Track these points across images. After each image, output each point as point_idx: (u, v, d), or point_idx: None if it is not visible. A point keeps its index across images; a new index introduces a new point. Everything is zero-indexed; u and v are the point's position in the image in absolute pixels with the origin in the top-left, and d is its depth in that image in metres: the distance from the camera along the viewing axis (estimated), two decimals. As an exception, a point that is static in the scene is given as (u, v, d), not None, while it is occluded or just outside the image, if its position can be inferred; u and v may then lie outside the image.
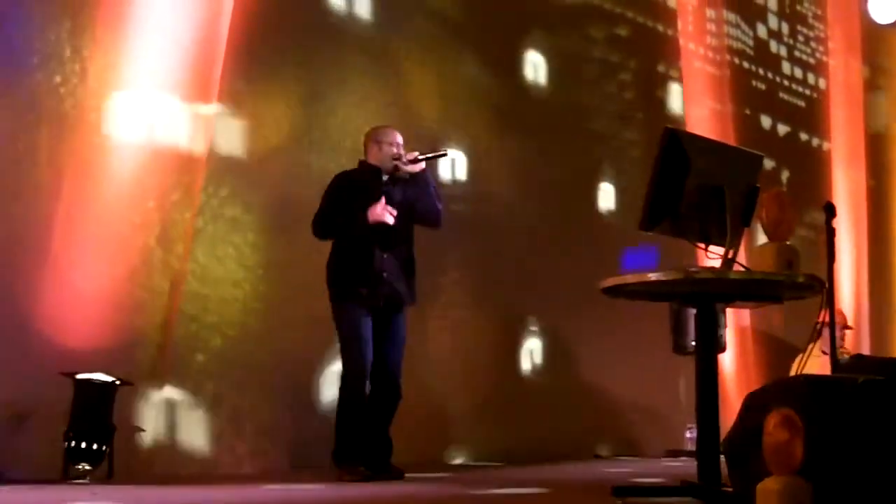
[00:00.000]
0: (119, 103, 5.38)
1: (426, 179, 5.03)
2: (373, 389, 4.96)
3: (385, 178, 5.02)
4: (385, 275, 4.91)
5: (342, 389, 4.94)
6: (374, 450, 4.93)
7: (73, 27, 5.29)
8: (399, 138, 5.08)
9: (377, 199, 4.90)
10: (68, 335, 5.08)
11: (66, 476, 4.79)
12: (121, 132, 5.38)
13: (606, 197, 8.05)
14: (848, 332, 7.39)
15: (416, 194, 5.00)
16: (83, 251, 5.21)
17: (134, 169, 5.42)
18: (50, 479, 4.70)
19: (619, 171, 8.22)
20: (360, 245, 4.92)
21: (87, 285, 5.19)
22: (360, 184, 5.00)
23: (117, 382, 4.98)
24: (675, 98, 8.86)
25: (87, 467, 4.84)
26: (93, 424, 4.87)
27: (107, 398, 4.95)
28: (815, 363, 4.77)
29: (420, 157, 4.99)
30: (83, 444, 4.83)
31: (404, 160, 4.97)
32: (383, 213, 4.86)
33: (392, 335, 4.99)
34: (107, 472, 4.90)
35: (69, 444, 4.82)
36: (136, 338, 5.37)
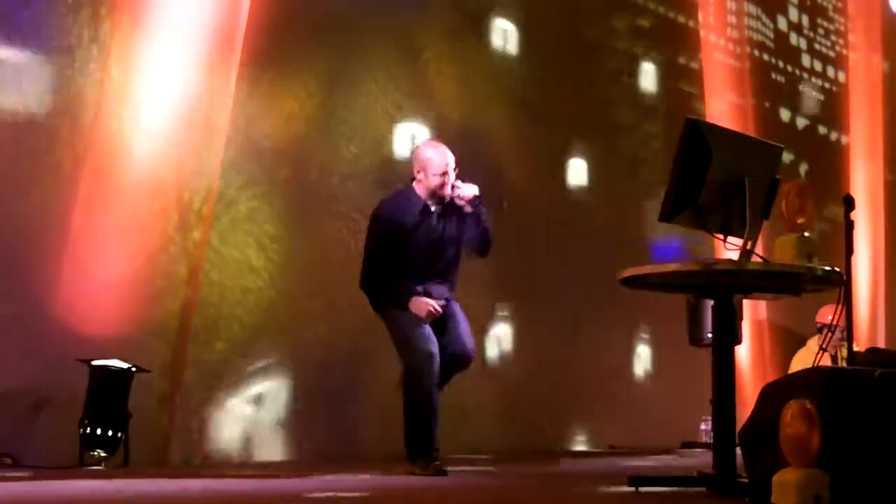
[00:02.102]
0: (138, 90, 5.39)
1: (478, 216, 4.67)
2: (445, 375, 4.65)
3: (434, 208, 4.66)
4: (434, 303, 4.62)
5: (406, 384, 4.62)
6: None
7: (94, 13, 5.31)
8: (450, 161, 4.63)
9: (429, 240, 4.64)
10: (86, 322, 5.10)
11: (81, 462, 4.82)
12: (140, 119, 5.39)
13: (626, 188, 8.03)
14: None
15: (467, 229, 4.70)
16: (102, 238, 5.23)
17: (153, 156, 5.44)
18: (66, 465, 4.72)
19: (640, 163, 8.19)
20: (412, 276, 4.66)
21: (105, 272, 5.21)
22: (407, 221, 4.63)
23: (133, 369, 5.00)
24: (696, 89, 8.82)
25: (103, 454, 4.86)
26: (108, 411, 4.90)
27: (122, 385, 4.97)
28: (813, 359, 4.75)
29: (476, 203, 4.63)
30: (98, 431, 4.86)
31: (461, 194, 4.61)
32: (427, 310, 4.56)
33: (452, 324, 4.69)
34: (122, 460, 4.92)
35: (84, 430, 4.85)
36: (155, 325, 5.39)
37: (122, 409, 4.95)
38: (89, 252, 5.18)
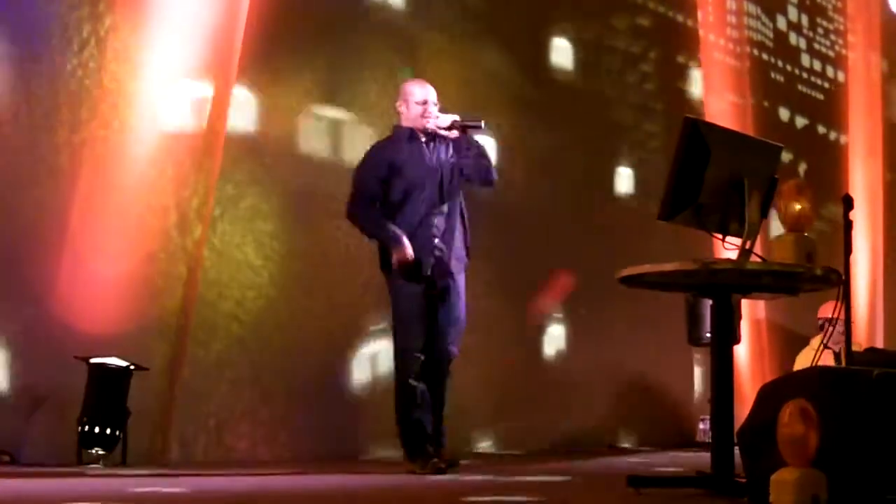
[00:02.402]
0: (138, 87, 5.39)
1: (466, 142, 4.67)
2: (425, 372, 4.61)
3: (423, 138, 4.68)
4: (437, 241, 4.60)
5: (395, 378, 4.64)
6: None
7: (92, 10, 5.31)
8: (430, 94, 4.71)
9: (421, 166, 4.61)
10: (85, 320, 5.10)
11: (79, 461, 4.82)
12: (139, 116, 5.39)
13: (626, 187, 8.03)
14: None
15: (460, 156, 4.66)
16: (101, 235, 5.23)
17: (152, 153, 5.43)
18: (64, 463, 4.72)
19: (640, 162, 8.20)
20: (410, 214, 4.60)
21: (104, 270, 5.21)
22: (397, 155, 4.64)
23: (132, 367, 5.00)
24: (696, 88, 8.82)
25: (101, 452, 4.86)
26: (107, 409, 4.90)
27: (121, 383, 4.98)
28: (821, 357, 4.75)
29: (457, 124, 4.64)
30: (97, 429, 4.86)
31: (439, 124, 4.65)
32: (407, 256, 4.51)
33: (443, 314, 4.64)
34: (121, 458, 4.92)
35: (83, 428, 4.85)
36: (153, 323, 5.39)
37: (121, 407, 4.95)
38: (88, 250, 5.18)
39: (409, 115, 4.71)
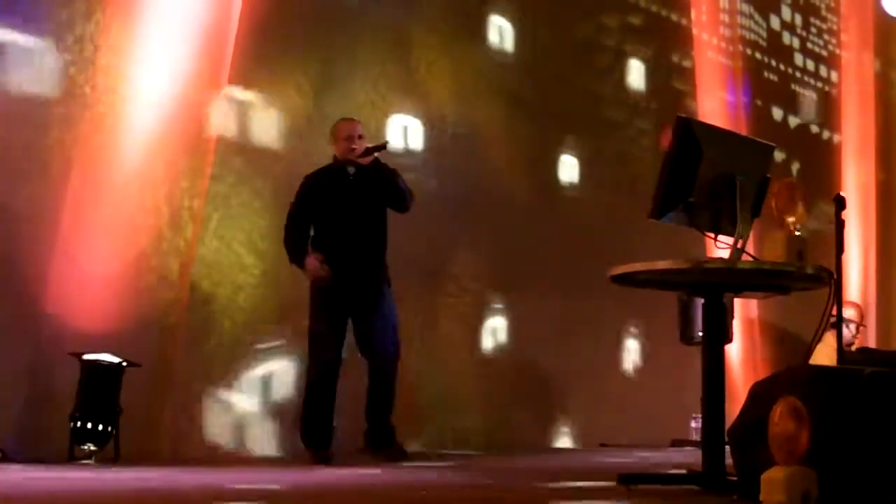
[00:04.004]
0: (129, 86, 5.39)
1: (380, 168, 5.14)
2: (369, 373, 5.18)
3: (351, 170, 5.15)
4: (360, 257, 5.13)
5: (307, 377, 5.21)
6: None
7: (86, 9, 5.30)
8: (355, 130, 5.19)
9: (340, 199, 5.13)
10: (77, 317, 5.10)
11: (72, 457, 4.81)
12: (131, 115, 5.39)
13: (617, 185, 8.04)
14: (862, 328, 7.35)
15: (377, 183, 5.13)
16: (93, 234, 5.22)
17: (144, 152, 5.43)
18: (57, 459, 4.72)
19: (632, 160, 8.20)
20: (334, 239, 5.14)
21: (96, 268, 5.21)
22: (326, 184, 5.17)
23: (124, 364, 5.00)
24: (688, 87, 8.84)
25: (93, 448, 4.86)
26: (99, 406, 4.90)
27: (113, 379, 4.97)
28: (829, 353, 4.77)
29: (368, 150, 5.13)
30: (89, 425, 4.86)
31: (356, 154, 5.12)
32: (315, 270, 5.07)
33: (376, 321, 5.16)
34: (113, 454, 4.92)
35: (75, 424, 4.85)
36: (146, 320, 5.39)
37: (113, 403, 4.95)
38: (80, 247, 5.18)
39: (340, 150, 5.18)
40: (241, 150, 5.94)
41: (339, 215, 5.12)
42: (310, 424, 5.11)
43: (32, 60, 5.16)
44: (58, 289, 5.08)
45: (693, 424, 7.10)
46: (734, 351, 8.41)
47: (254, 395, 5.89)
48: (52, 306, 5.05)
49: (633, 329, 8.05)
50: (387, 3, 6.74)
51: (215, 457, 5.54)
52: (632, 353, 8.11)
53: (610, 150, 8.18)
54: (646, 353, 8.07)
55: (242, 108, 5.93)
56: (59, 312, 5.05)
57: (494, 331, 7.21)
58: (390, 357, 5.16)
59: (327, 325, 5.08)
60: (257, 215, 5.98)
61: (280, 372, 6.00)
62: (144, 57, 5.44)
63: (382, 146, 5.22)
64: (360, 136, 5.17)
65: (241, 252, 5.90)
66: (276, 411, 5.98)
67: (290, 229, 5.18)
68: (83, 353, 4.92)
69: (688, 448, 6.72)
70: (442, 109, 6.99)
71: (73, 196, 5.19)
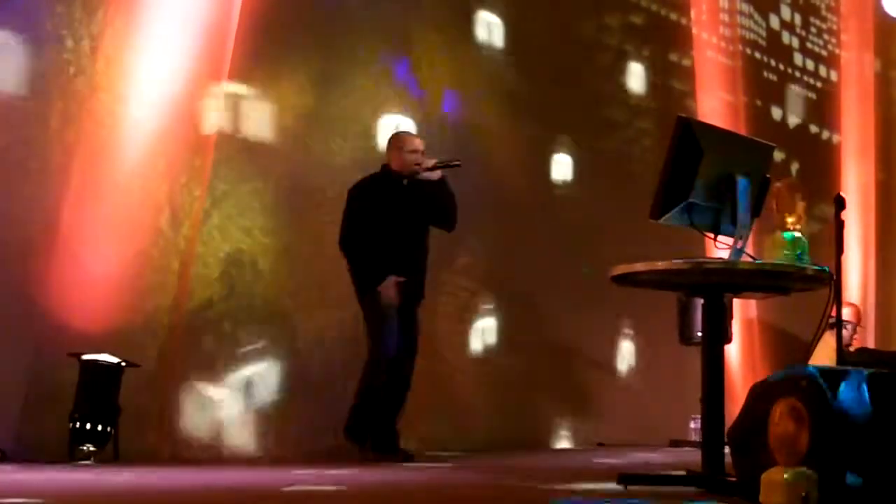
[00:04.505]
0: (130, 83, 5.38)
1: (443, 186, 5.28)
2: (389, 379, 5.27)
3: (405, 182, 5.29)
4: (409, 269, 5.28)
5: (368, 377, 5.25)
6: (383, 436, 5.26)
7: (85, 4, 5.29)
8: (420, 145, 5.35)
9: (396, 207, 5.23)
10: (77, 316, 5.10)
11: (71, 457, 4.81)
12: (131, 112, 5.38)
13: (618, 185, 8.03)
14: (859, 329, 7.37)
15: (433, 198, 5.27)
16: (93, 232, 5.22)
17: (144, 149, 5.42)
18: (56, 459, 4.71)
19: (631, 160, 8.20)
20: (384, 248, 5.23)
21: (96, 266, 5.20)
22: (379, 193, 5.27)
23: (123, 364, 4.99)
24: (688, 87, 8.83)
25: (92, 448, 4.86)
26: (98, 406, 4.90)
27: (113, 379, 4.97)
28: (829, 354, 4.77)
29: (438, 165, 5.26)
30: (88, 426, 4.85)
31: (423, 167, 5.25)
32: (391, 297, 5.16)
33: (414, 323, 5.34)
34: (112, 454, 4.92)
35: (75, 425, 4.84)
36: (145, 320, 5.38)
37: (113, 403, 4.94)
38: (80, 246, 5.17)
39: (401, 162, 5.30)
40: (241, 148, 5.94)
41: (391, 225, 5.22)
42: (379, 425, 5.17)
43: (32, 58, 5.15)
44: (57, 288, 5.07)
45: (692, 425, 7.10)
46: (733, 351, 8.41)
47: (255, 395, 5.88)
48: (52, 306, 5.04)
49: (631, 329, 8.05)
50: (388, 1, 6.73)
51: (217, 457, 5.53)
52: (631, 353, 8.10)
53: (609, 149, 8.17)
54: (645, 354, 8.07)
55: (243, 106, 5.93)
56: (59, 312, 5.05)
57: (493, 330, 7.21)
58: (413, 365, 5.33)
59: (391, 326, 5.21)
60: (258, 214, 5.98)
61: (281, 372, 6.00)
62: (145, 54, 5.43)
63: (455, 164, 5.33)
64: (423, 152, 5.33)
65: (241, 249, 5.90)
66: (278, 411, 5.97)
67: (361, 245, 5.22)
68: (82, 353, 4.92)
69: (687, 448, 6.72)
70: (441, 108, 6.98)
71: (73, 194, 5.18)
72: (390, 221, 5.21)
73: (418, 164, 5.26)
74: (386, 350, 5.18)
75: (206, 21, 5.66)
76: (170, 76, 5.51)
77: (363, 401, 5.23)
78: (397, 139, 5.41)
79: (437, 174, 5.24)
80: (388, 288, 5.15)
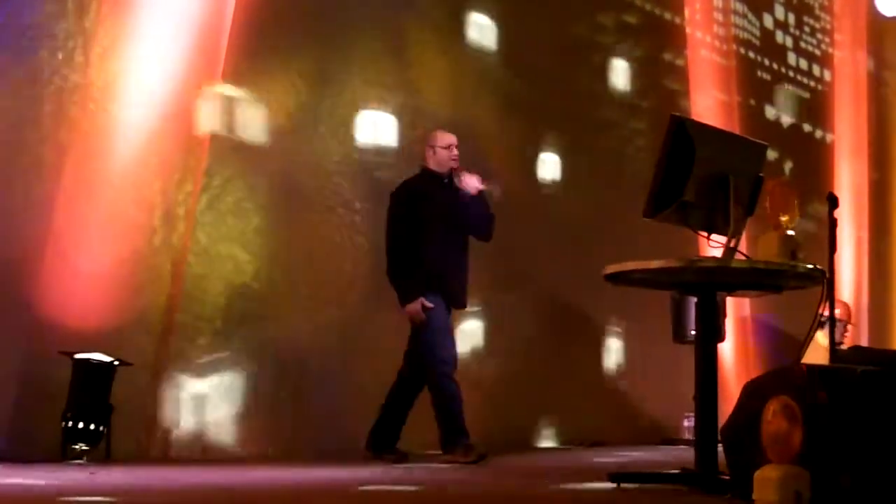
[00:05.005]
0: (123, 82, 5.37)
1: (483, 199, 5.31)
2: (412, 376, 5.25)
3: (445, 180, 5.28)
4: (450, 273, 5.25)
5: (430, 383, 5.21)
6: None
7: (79, 5, 5.28)
8: (453, 140, 5.33)
9: (438, 206, 5.21)
10: (69, 315, 5.08)
11: (63, 456, 4.80)
12: (124, 111, 5.37)
13: (612, 184, 8.04)
14: (850, 327, 7.39)
15: (472, 207, 5.26)
16: (85, 230, 5.21)
17: (137, 148, 5.41)
18: (49, 458, 4.70)
19: (625, 159, 8.20)
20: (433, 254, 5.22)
21: (88, 265, 5.19)
22: (420, 194, 5.24)
23: (115, 363, 4.98)
24: (682, 86, 8.84)
25: (85, 447, 4.85)
26: (90, 405, 4.88)
27: (105, 378, 4.96)
28: (821, 353, 4.78)
29: (483, 189, 5.27)
30: (80, 425, 4.84)
31: (463, 180, 5.23)
32: (418, 315, 5.11)
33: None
34: (104, 453, 4.91)
35: (67, 424, 4.83)
36: (138, 319, 5.37)
37: (105, 402, 4.93)
38: (73, 245, 5.16)
39: (436, 160, 5.31)
40: (235, 148, 5.93)
41: (434, 226, 5.19)
42: (455, 424, 5.12)
43: (25, 56, 5.13)
44: (50, 287, 5.06)
45: (686, 423, 7.11)
46: (727, 349, 8.42)
47: (246, 393, 5.87)
48: (44, 304, 5.03)
49: (625, 328, 8.05)
50: (381, 1, 6.72)
51: (209, 456, 5.53)
52: (624, 351, 8.11)
53: (603, 148, 8.18)
54: (639, 352, 8.07)
55: (236, 105, 5.91)
56: (51, 310, 5.03)
57: (485, 331, 7.20)
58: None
59: (444, 325, 5.18)
60: (251, 213, 5.97)
61: (274, 370, 5.99)
62: (138, 53, 5.42)
63: (490, 190, 5.39)
64: (457, 147, 5.34)
65: (234, 250, 5.89)
66: (274, 409, 5.97)
67: (405, 256, 5.17)
68: (75, 352, 4.91)
69: (681, 447, 6.73)
70: (436, 109, 6.97)
71: (66, 193, 5.17)
72: (434, 221, 5.18)
73: (453, 160, 5.27)
74: (440, 356, 5.12)
75: (200, 20, 5.65)
76: (163, 75, 5.50)
77: (387, 412, 5.24)
78: (430, 137, 5.40)
79: (474, 189, 5.22)
80: (416, 310, 5.09)
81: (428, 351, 5.14)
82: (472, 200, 5.23)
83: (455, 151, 5.31)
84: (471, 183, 5.22)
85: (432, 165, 5.31)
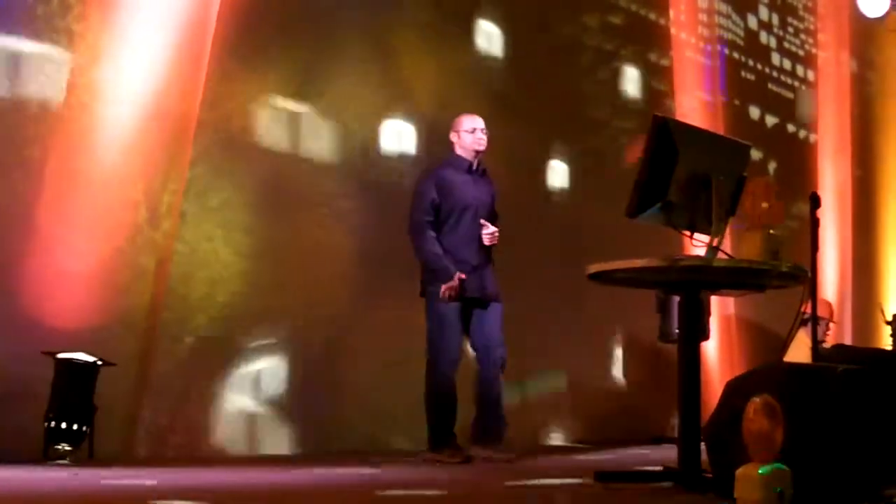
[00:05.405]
0: (107, 79, 5.35)
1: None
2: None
3: (472, 165, 5.27)
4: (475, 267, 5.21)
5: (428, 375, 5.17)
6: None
7: (64, 3, 5.25)
8: (478, 123, 5.29)
9: (463, 195, 5.21)
10: (52, 314, 5.06)
11: (46, 456, 4.78)
12: (109, 109, 5.35)
13: (598, 184, 8.05)
14: (832, 325, 7.43)
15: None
16: (69, 229, 5.18)
17: (121, 147, 5.39)
18: (31, 459, 4.68)
19: (613, 159, 8.21)
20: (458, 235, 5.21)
21: (72, 263, 5.17)
22: (447, 181, 5.20)
23: (98, 363, 4.96)
24: (667, 86, 8.86)
25: (68, 448, 4.83)
26: (73, 405, 4.86)
27: (88, 378, 4.93)
28: (804, 351, 4.80)
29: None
30: (63, 425, 4.82)
31: (482, 145, 5.28)
32: (453, 292, 5.07)
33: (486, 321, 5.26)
34: (87, 453, 4.89)
35: (49, 424, 4.81)
36: (122, 318, 5.35)
37: (88, 402, 4.91)
38: (56, 243, 5.14)
39: (462, 144, 5.29)
40: (220, 146, 5.91)
41: (463, 210, 5.18)
42: (444, 424, 5.11)
43: (9, 53, 5.11)
44: (32, 286, 5.04)
45: (674, 421, 7.13)
46: (711, 348, 8.45)
47: (232, 394, 5.86)
48: (26, 303, 5.01)
49: (614, 326, 8.07)
50: (370, 1, 6.71)
51: (194, 456, 5.51)
52: (612, 349, 8.12)
53: (592, 149, 8.19)
54: (626, 350, 8.09)
55: (222, 102, 5.89)
56: (34, 310, 5.01)
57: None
58: (499, 362, 5.25)
59: (454, 322, 5.13)
60: (236, 211, 5.95)
61: (259, 370, 5.98)
62: (123, 51, 5.40)
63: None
64: (484, 130, 5.29)
65: (219, 248, 5.87)
66: (256, 411, 5.96)
67: (428, 234, 5.16)
68: (57, 352, 4.88)
69: (668, 445, 6.75)
70: (426, 108, 6.97)
71: (50, 191, 5.15)
72: (458, 210, 5.16)
73: (479, 141, 5.23)
74: (441, 353, 5.09)
75: (185, 17, 5.63)
76: (148, 72, 5.48)
77: (429, 410, 5.17)
78: (455, 122, 5.35)
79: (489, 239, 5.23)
80: (453, 289, 5.06)
81: (431, 345, 5.12)
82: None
83: (480, 134, 5.24)
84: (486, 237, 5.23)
85: (458, 151, 5.28)
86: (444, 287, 5.08)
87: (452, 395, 5.11)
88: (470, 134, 5.24)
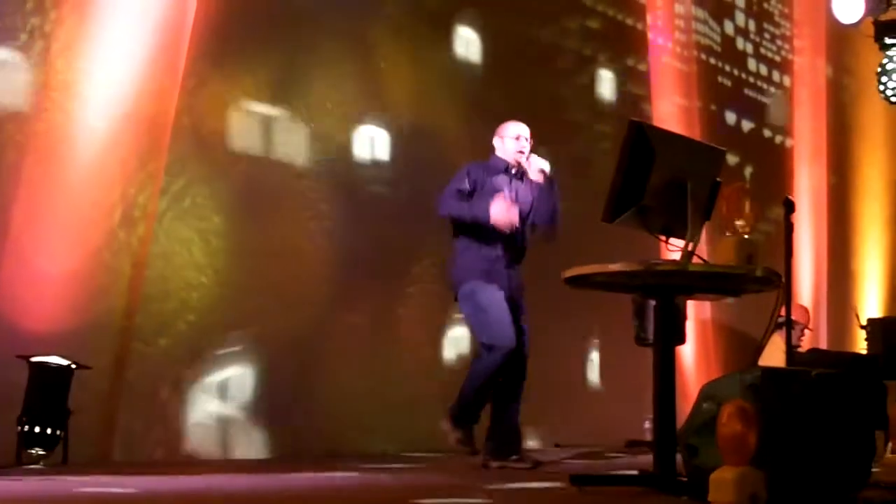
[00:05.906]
0: (82, 83, 5.32)
1: (553, 191, 5.08)
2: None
3: (513, 171, 5.12)
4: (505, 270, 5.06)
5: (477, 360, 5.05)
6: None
7: (39, 5, 5.22)
8: (523, 130, 5.17)
9: (496, 187, 5.01)
10: (27, 318, 5.02)
11: (19, 461, 4.74)
12: (84, 111, 5.32)
13: (577, 188, 8.07)
14: (807, 332, 7.49)
15: (539, 199, 5.08)
16: (44, 232, 5.15)
17: (97, 149, 5.36)
18: (4, 464, 4.64)
19: (591, 164, 8.23)
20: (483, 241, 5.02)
21: (48, 267, 5.14)
22: (483, 178, 5.07)
23: (73, 366, 4.93)
24: (644, 91, 8.90)
25: (41, 452, 4.79)
26: (47, 409, 4.83)
27: (63, 382, 4.90)
28: (779, 355, 4.84)
29: (549, 176, 5.06)
30: (37, 429, 4.78)
31: (528, 163, 5.06)
32: (505, 214, 4.85)
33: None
34: (62, 458, 4.85)
35: (23, 428, 4.77)
36: (97, 321, 5.31)
37: (62, 406, 4.88)
38: (31, 246, 5.10)
39: (504, 149, 5.16)
40: (195, 148, 5.88)
41: (497, 193, 4.99)
42: (474, 406, 4.99)
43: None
44: (6, 289, 5.00)
45: (648, 425, 7.15)
46: (688, 352, 8.48)
47: (208, 398, 5.84)
48: (2, 305, 4.97)
49: (590, 330, 8.09)
50: (348, 5, 6.70)
51: (170, 460, 5.48)
52: (588, 353, 8.14)
53: (570, 153, 8.19)
54: (603, 354, 8.11)
55: (198, 106, 5.87)
56: (8, 313, 4.97)
57: (457, 334, 7.19)
58: (526, 357, 5.15)
59: (505, 308, 4.99)
60: (212, 215, 5.93)
61: (235, 374, 5.96)
62: (99, 54, 5.37)
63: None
64: (528, 139, 5.15)
65: (194, 252, 5.85)
66: (235, 413, 5.93)
67: (451, 198, 4.96)
68: (32, 355, 4.85)
69: (643, 449, 6.77)
70: (403, 112, 6.96)
71: (25, 194, 5.11)
72: (488, 192, 4.97)
73: (521, 152, 5.08)
74: (498, 339, 4.88)
75: (162, 19, 5.61)
76: (124, 75, 5.46)
77: (471, 384, 4.96)
78: (500, 128, 5.23)
79: (537, 173, 5.00)
80: (508, 211, 4.81)
81: (488, 329, 4.93)
82: (539, 189, 5.01)
83: (524, 143, 5.11)
84: (535, 165, 5.00)
85: (499, 153, 5.20)
86: (493, 211, 4.83)
87: (494, 385, 4.98)
88: (514, 140, 5.14)
